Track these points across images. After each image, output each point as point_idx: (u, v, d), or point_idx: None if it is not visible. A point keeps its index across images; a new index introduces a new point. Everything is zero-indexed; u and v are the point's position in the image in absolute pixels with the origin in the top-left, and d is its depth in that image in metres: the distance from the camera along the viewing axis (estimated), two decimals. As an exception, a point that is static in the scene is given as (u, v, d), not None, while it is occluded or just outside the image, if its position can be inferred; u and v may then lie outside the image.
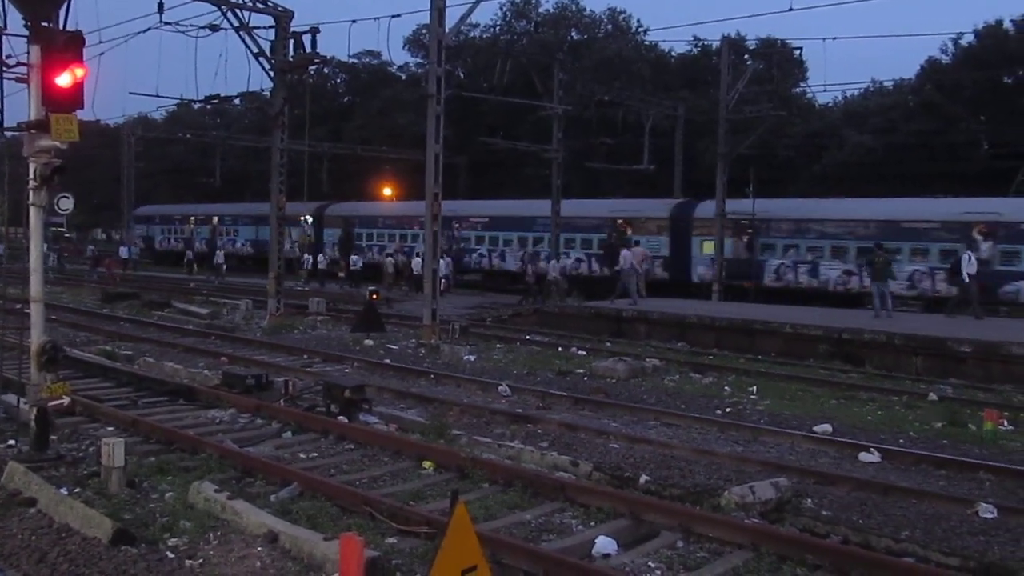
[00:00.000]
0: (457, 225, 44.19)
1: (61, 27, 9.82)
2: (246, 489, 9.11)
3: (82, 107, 9.59)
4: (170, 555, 7.25)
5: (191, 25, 24.72)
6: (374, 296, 26.26)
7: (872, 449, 11.84)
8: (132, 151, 59.59)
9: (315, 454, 10.95)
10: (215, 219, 61.14)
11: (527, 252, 42.17)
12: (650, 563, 7.49)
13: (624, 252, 31.02)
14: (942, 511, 9.15)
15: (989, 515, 9.03)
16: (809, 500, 9.34)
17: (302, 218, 50.90)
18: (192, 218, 63.84)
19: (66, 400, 10.24)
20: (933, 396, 16.38)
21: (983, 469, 11.01)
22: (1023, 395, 17.23)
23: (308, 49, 24.85)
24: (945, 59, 52.25)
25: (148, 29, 25.06)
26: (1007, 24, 49.63)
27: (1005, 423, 13.93)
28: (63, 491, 8.63)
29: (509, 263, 43.27)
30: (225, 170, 59.99)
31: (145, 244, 66.43)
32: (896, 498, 9.58)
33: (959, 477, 10.83)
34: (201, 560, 7.17)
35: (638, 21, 67.08)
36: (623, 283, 29.51)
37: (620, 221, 39.31)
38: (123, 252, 55.63)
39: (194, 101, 34.82)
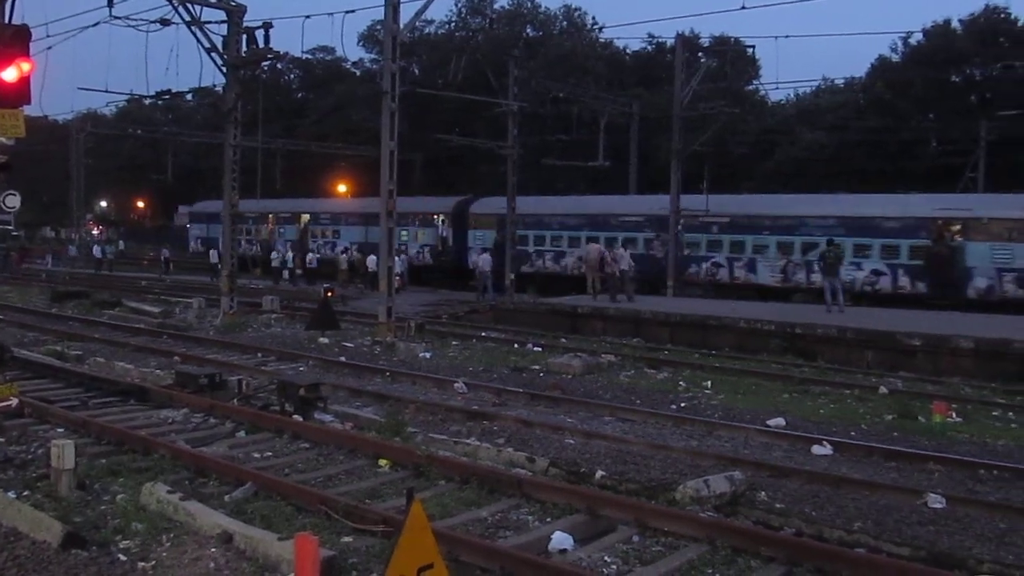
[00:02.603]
0: (678, 226, 36.21)
1: (7, 20, 9.65)
2: (200, 490, 9.00)
3: (29, 102, 9.44)
4: (122, 558, 7.15)
5: (141, 19, 24.24)
6: (329, 293, 26.06)
7: (824, 442, 12.00)
8: (81, 147, 58.74)
9: (270, 453, 10.85)
10: (305, 217, 51.93)
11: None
12: (606, 557, 7.52)
13: (483, 256, 35.94)
14: (893, 502, 9.31)
15: (938, 505, 9.20)
16: (763, 493, 9.44)
17: (436, 216, 44.69)
18: (271, 216, 53.88)
19: (14, 402, 10.10)
20: (884, 389, 16.62)
21: (932, 460, 11.21)
22: (971, 387, 17.54)
23: (261, 44, 24.58)
24: (895, 58, 53.23)
25: (97, 23, 24.59)
26: (955, 24, 50.69)
27: (953, 415, 14.20)
28: (11, 494, 8.47)
29: (762, 275, 34.17)
30: (177, 167, 59.19)
31: (205, 247, 54.78)
32: (848, 490, 9.72)
33: (909, 468, 11.01)
34: (154, 562, 7.07)
35: (593, 18, 67.61)
36: (481, 282, 34.34)
37: (940, 221, 30.86)
38: (96, 252, 54.80)
39: (145, 97, 34.26)
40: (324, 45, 65.48)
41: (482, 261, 35.31)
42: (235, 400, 13.34)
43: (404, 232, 44.62)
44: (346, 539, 7.61)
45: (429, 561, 4.45)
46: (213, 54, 24.84)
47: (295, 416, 12.30)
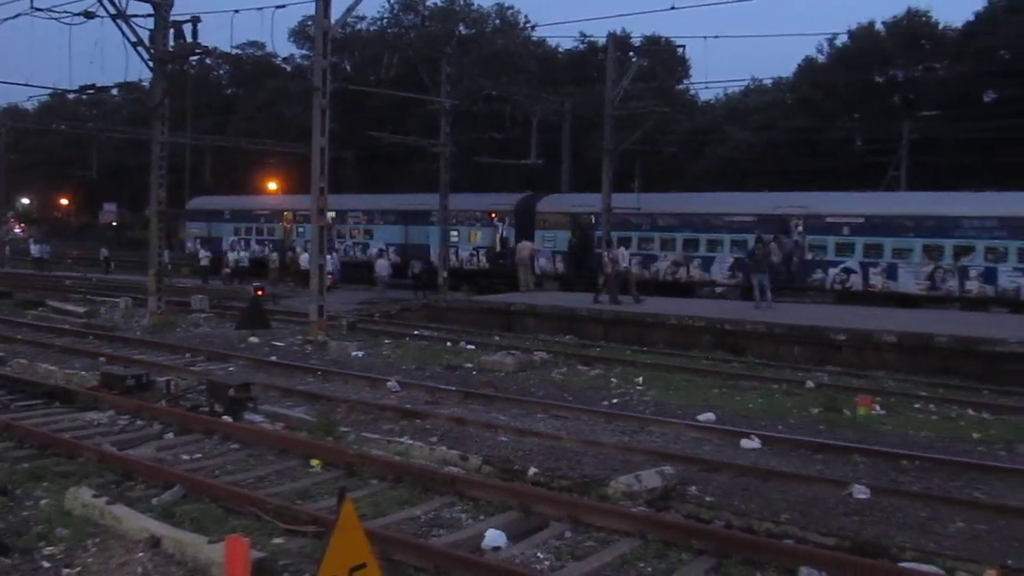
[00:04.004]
0: (798, 227, 32.13)
1: (-80, 13, 9.35)
2: (126, 493, 8.83)
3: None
4: (46, 564, 6.99)
5: (65, 12, 23.72)
6: (259, 292, 25.71)
7: (753, 436, 12.19)
8: (2, 143, 57.10)
9: (199, 455, 10.68)
10: (329, 215, 47.10)
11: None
12: (539, 554, 7.56)
13: (380, 261, 37.47)
14: (819, 494, 9.50)
15: (863, 496, 9.41)
16: (694, 487, 9.56)
17: (494, 215, 40.13)
18: (287, 213, 47.75)
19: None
20: (811, 383, 16.94)
21: (857, 452, 11.47)
22: (895, 381, 17.98)
23: (189, 39, 24.12)
24: (821, 58, 54.37)
25: (18, 15, 24.04)
26: (879, 26, 51.96)
27: (877, 408, 14.53)
28: (-72, 500, 8.24)
29: (904, 282, 29.77)
30: (103, 163, 57.81)
31: (204, 249, 47.42)
32: (776, 482, 9.90)
33: (835, 460, 11.25)
34: (79, 568, 6.93)
35: (526, 17, 67.67)
36: (381, 284, 36.13)
37: None
38: (34, 251, 53.20)
39: (69, 91, 33.55)
40: (254, 40, 64.44)
41: (379, 266, 36.90)
42: (163, 401, 13.11)
43: (455, 232, 40.47)
44: (277, 540, 7.54)
45: (361, 561, 4.42)
46: (139, 48, 24.27)
47: (225, 417, 12.12)
